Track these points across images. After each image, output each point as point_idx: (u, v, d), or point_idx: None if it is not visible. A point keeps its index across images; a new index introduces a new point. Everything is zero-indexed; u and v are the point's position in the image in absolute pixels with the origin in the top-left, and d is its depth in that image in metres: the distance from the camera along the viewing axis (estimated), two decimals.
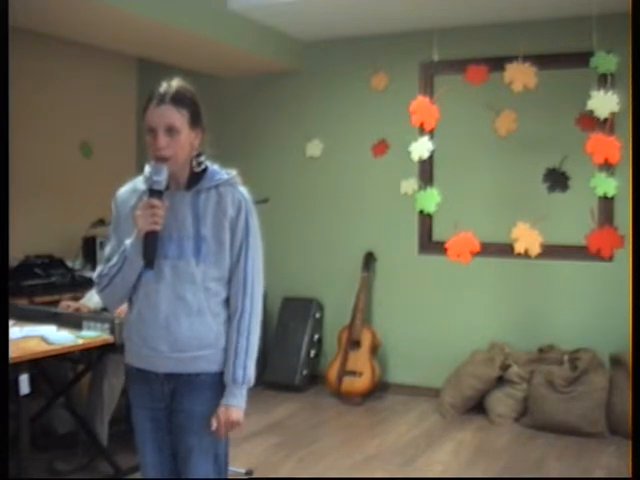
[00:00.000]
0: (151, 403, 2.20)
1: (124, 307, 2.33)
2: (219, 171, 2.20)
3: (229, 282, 2.17)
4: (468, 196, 5.23)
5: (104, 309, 3.58)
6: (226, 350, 2.15)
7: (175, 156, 2.10)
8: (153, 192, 2.09)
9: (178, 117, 2.08)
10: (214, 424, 2.12)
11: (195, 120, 2.13)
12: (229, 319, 2.17)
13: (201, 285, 2.12)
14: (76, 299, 3.97)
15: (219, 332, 2.16)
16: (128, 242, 2.11)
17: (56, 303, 4.01)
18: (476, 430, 4.71)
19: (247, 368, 2.14)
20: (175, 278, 2.12)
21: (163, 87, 2.11)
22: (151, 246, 2.08)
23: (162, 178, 2.08)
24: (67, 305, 3.89)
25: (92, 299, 3.85)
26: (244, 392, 2.15)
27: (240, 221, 2.15)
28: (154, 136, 2.08)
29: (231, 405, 2.13)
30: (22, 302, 4.02)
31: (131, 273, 2.13)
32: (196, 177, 2.17)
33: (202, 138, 2.17)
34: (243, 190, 2.20)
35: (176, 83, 2.13)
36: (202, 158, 2.19)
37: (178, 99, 2.09)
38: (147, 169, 2.20)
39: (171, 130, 2.08)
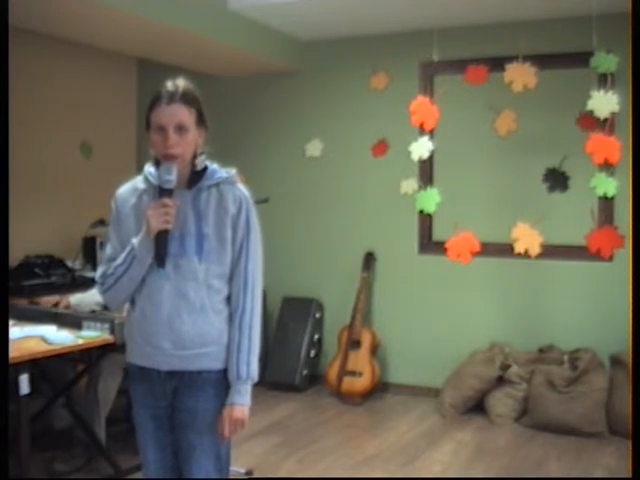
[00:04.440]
0: (153, 402, 2.20)
1: None
2: (218, 170, 2.21)
3: (230, 279, 2.17)
4: (468, 196, 5.23)
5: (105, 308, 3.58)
6: (228, 348, 2.16)
7: (183, 154, 2.11)
8: (164, 191, 2.10)
9: (188, 116, 2.10)
10: (220, 425, 2.13)
11: (201, 119, 2.15)
12: (230, 316, 2.17)
13: (203, 283, 2.13)
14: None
15: (221, 329, 2.16)
16: (135, 241, 2.11)
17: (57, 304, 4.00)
18: (476, 430, 4.71)
19: (250, 364, 2.15)
20: (178, 276, 2.12)
21: (170, 86, 2.12)
22: (163, 244, 2.09)
23: (172, 177, 2.09)
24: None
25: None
26: (249, 388, 2.16)
27: (241, 219, 2.16)
28: (164, 134, 2.09)
29: (236, 403, 2.14)
30: (22, 302, 4.01)
31: (139, 272, 2.13)
32: (197, 176, 2.18)
33: (205, 137, 2.19)
34: (243, 188, 2.22)
35: (182, 82, 2.14)
36: (203, 157, 2.20)
37: (187, 98, 2.11)
38: (147, 168, 2.21)
39: (181, 129, 2.09)
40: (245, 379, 2.14)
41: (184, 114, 2.10)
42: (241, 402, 2.15)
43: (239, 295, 2.17)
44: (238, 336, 2.15)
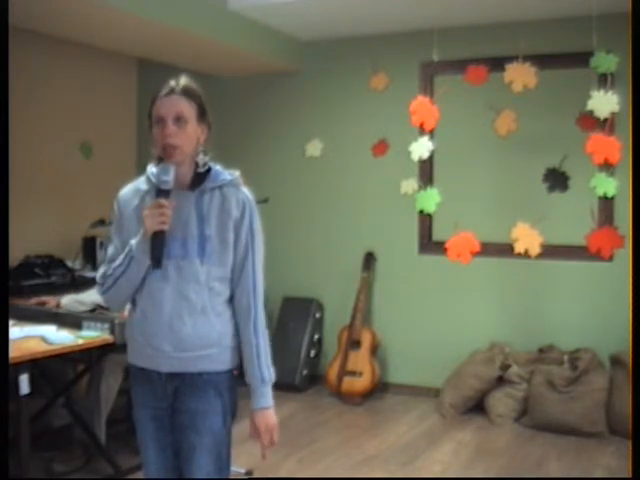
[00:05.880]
0: (154, 402, 2.20)
1: None
2: (222, 172, 2.20)
3: (235, 283, 2.17)
4: (468, 196, 5.23)
5: (102, 307, 3.58)
6: (245, 353, 2.16)
7: (182, 146, 2.10)
8: (161, 192, 2.10)
9: (187, 107, 2.11)
10: (256, 434, 2.18)
11: (202, 115, 2.15)
12: (241, 320, 2.17)
13: (205, 285, 2.13)
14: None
15: (222, 331, 2.16)
16: (133, 242, 2.11)
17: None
18: (476, 430, 4.71)
19: (270, 366, 2.18)
20: (179, 278, 2.12)
21: (172, 82, 2.13)
22: (159, 245, 2.08)
23: (170, 178, 2.09)
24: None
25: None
26: (270, 390, 2.19)
27: (245, 222, 2.16)
28: (163, 125, 2.09)
29: (265, 408, 2.18)
30: (22, 302, 4.02)
31: (137, 273, 2.13)
32: (200, 177, 2.17)
33: (208, 136, 2.19)
34: (246, 191, 2.21)
35: (184, 79, 2.16)
36: (207, 158, 2.20)
37: (188, 92, 2.13)
38: (149, 169, 2.21)
39: (180, 119, 2.09)
40: (268, 381, 2.17)
41: (184, 105, 2.10)
42: (268, 405, 2.18)
43: (249, 299, 2.17)
44: (255, 340, 2.15)
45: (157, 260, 2.09)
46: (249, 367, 2.16)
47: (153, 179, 2.18)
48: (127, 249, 2.13)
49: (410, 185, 5.38)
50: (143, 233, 2.08)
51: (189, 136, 2.11)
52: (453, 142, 5.21)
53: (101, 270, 2.22)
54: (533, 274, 5.10)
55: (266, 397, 2.17)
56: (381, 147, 5.53)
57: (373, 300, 5.61)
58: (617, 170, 4.26)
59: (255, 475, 3.88)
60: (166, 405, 2.19)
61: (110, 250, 2.23)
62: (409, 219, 5.41)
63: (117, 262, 2.15)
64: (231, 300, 2.20)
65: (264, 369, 2.15)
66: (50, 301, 3.94)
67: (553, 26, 4.96)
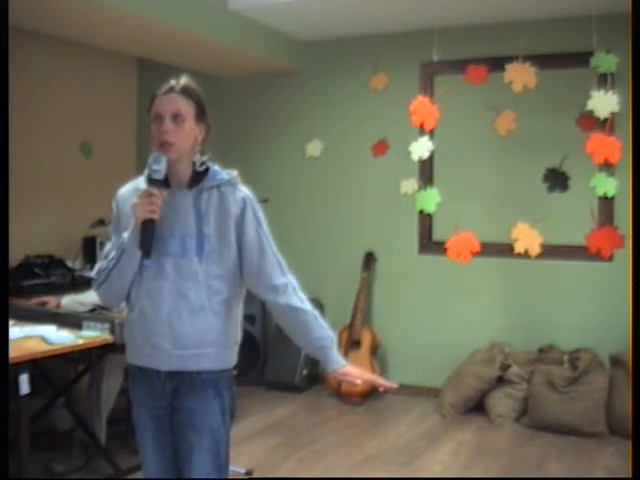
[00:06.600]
0: (152, 402, 2.20)
1: None
2: (220, 171, 2.21)
3: (260, 268, 2.18)
4: (468, 196, 5.23)
5: (102, 307, 3.58)
6: (300, 325, 2.20)
7: (178, 143, 2.11)
8: (152, 181, 2.11)
9: (185, 105, 2.12)
10: (358, 380, 2.20)
11: (201, 114, 2.16)
12: (283, 298, 2.19)
13: (203, 283, 2.13)
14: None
15: (220, 330, 2.16)
16: (126, 234, 2.12)
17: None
18: (476, 430, 4.71)
19: None
20: (178, 276, 2.13)
21: (172, 81, 2.15)
22: (148, 235, 2.08)
23: (161, 167, 2.09)
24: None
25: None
26: None
27: (248, 217, 2.17)
28: (160, 122, 2.10)
29: (344, 364, 2.20)
30: (22, 302, 4.01)
31: (129, 265, 2.13)
32: (198, 176, 2.18)
33: (206, 136, 2.19)
34: (244, 189, 2.22)
35: (185, 79, 2.18)
36: (205, 158, 2.20)
37: (186, 90, 2.14)
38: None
39: (177, 117, 2.10)
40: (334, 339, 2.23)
41: (182, 103, 2.11)
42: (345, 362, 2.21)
43: (281, 277, 2.20)
44: (306, 306, 2.21)
45: (146, 250, 2.09)
46: (314, 332, 2.20)
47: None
48: (120, 242, 2.14)
49: (410, 185, 5.38)
50: (134, 223, 2.09)
51: (186, 134, 2.12)
52: (453, 142, 5.21)
53: (97, 266, 2.24)
54: (533, 274, 5.10)
55: (339, 355, 2.21)
56: (381, 147, 5.53)
57: (373, 300, 5.61)
58: (617, 170, 4.26)
59: (255, 475, 3.88)
60: (165, 404, 2.20)
61: (107, 247, 2.24)
62: (409, 219, 5.41)
63: (110, 256, 2.17)
64: (230, 300, 2.19)
65: (329, 331, 2.21)
66: (50, 301, 3.94)
67: (553, 26, 4.96)
